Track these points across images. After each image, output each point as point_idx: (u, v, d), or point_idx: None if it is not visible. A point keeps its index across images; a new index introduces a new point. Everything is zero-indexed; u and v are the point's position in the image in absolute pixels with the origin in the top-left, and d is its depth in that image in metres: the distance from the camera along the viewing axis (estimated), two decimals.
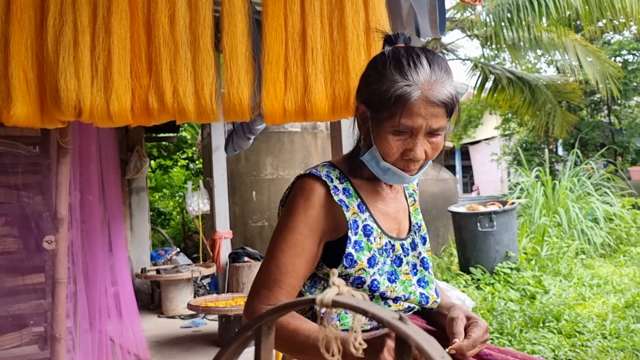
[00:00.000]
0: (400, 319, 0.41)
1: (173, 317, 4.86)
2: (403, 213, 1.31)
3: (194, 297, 5.02)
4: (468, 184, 18.31)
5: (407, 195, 1.37)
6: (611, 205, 6.89)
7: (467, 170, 18.04)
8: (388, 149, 1.14)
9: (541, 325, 3.53)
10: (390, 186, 1.29)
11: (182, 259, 5.78)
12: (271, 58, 1.79)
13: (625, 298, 4.02)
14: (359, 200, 1.21)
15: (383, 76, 1.12)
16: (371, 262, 1.18)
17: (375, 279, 1.18)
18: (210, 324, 4.49)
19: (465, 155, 17.44)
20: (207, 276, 5.55)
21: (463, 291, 4.37)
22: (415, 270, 1.28)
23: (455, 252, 5.50)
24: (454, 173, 16.58)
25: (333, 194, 1.18)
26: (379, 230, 1.21)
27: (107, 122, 1.73)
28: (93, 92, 1.69)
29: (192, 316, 4.76)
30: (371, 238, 1.19)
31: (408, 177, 1.18)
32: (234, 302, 4.02)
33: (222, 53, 1.79)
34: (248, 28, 1.81)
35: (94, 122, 1.74)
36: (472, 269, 4.84)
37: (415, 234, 1.31)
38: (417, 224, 1.33)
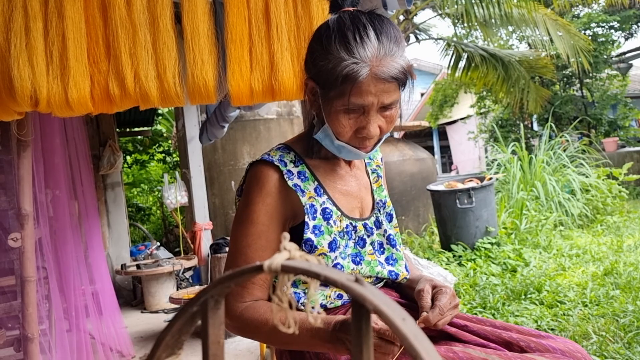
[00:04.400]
0: (357, 280, 0.37)
1: (156, 312, 4.80)
2: (365, 190, 1.27)
3: (177, 290, 4.96)
4: (447, 164, 18.44)
5: (370, 171, 1.32)
6: (587, 177, 6.98)
7: (445, 150, 18.16)
8: (341, 128, 1.09)
9: (523, 297, 3.56)
10: (349, 163, 1.25)
11: (163, 253, 5.71)
12: (235, 37, 1.73)
13: (604, 266, 4.08)
14: (315, 183, 1.17)
15: (328, 52, 1.06)
16: (332, 246, 1.14)
17: (338, 263, 1.14)
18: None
19: (443, 135, 17.54)
20: (189, 269, 5.48)
21: (445, 268, 4.38)
22: (382, 249, 1.24)
23: (435, 230, 5.52)
24: (432, 154, 16.67)
25: (287, 179, 1.13)
26: (339, 213, 1.17)
27: (66, 111, 1.66)
28: (49, 80, 1.61)
29: (175, 310, 4.71)
30: (331, 221, 1.15)
31: (363, 154, 1.14)
32: None
33: (184, 34, 1.72)
34: (209, 7, 1.74)
35: (52, 112, 1.67)
36: (453, 246, 4.86)
37: (380, 211, 1.27)
38: (381, 201, 1.29)
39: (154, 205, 10.95)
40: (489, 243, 4.80)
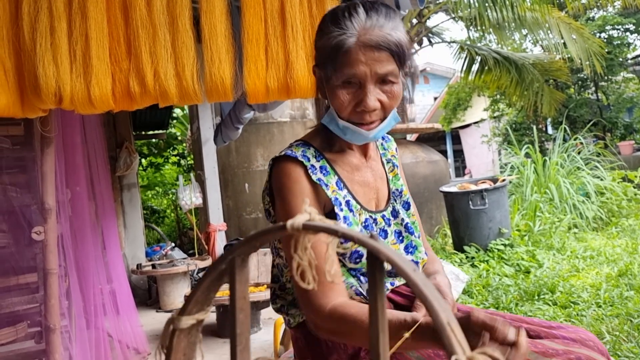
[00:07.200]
0: (371, 236, 0.41)
1: (171, 311, 4.86)
2: (381, 181, 1.28)
3: (191, 290, 5.01)
4: (460, 168, 18.37)
5: (385, 161, 1.34)
6: (602, 179, 6.94)
7: (459, 154, 18.09)
8: (339, 103, 1.11)
9: (536, 297, 3.56)
10: (365, 155, 1.26)
11: (178, 254, 5.78)
12: (251, 36, 1.78)
13: (618, 267, 4.06)
14: (336, 177, 1.19)
15: (323, 32, 1.12)
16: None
17: (363, 253, 1.15)
18: (209, 315, 4.50)
19: (456, 139, 17.48)
20: (203, 269, 5.54)
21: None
22: (401, 238, 1.26)
23: (448, 232, 5.52)
24: (446, 157, 16.59)
25: (311, 174, 1.15)
26: (358, 207, 1.19)
27: (88, 108, 1.72)
28: (73, 78, 1.67)
29: None
30: (354, 213, 1.17)
31: (366, 133, 1.14)
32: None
33: (202, 33, 1.78)
34: (226, 7, 1.79)
35: (75, 109, 1.73)
36: (466, 248, 4.86)
37: (396, 201, 1.29)
38: (397, 190, 1.30)
39: (168, 207, 11.07)
40: (502, 244, 4.80)
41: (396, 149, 1.40)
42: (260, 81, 1.78)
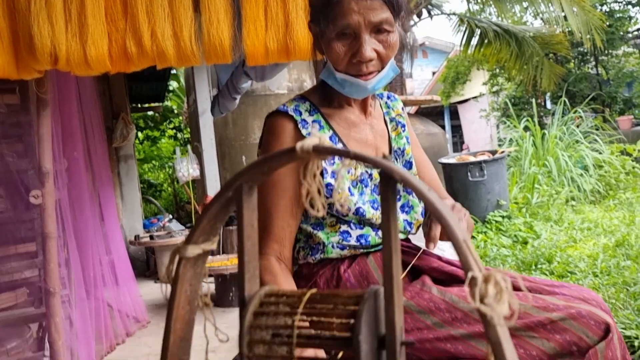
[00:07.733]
0: (384, 157, 0.40)
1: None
2: (381, 139, 1.26)
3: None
4: (458, 144, 18.32)
5: (388, 120, 1.32)
6: (600, 153, 6.93)
7: (457, 129, 18.03)
8: (335, 55, 1.10)
9: (533, 267, 3.58)
10: (364, 112, 1.25)
11: (175, 226, 5.78)
12: None
13: (615, 238, 4.08)
14: (330, 132, 1.19)
15: None
16: (351, 190, 1.16)
17: (359, 207, 1.15)
18: (207, 286, 4.53)
19: (454, 115, 17.41)
20: None
21: None
22: (398, 196, 1.25)
23: None
24: None
25: (301, 128, 1.15)
26: (354, 162, 1.18)
27: (84, 69, 1.69)
28: (68, 37, 1.64)
29: None
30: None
31: (364, 83, 1.12)
32: (229, 262, 4.03)
33: None
34: None
35: (71, 70, 1.70)
36: None
37: (397, 160, 1.28)
38: (399, 149, 1.29)
39: (165, 182, 11.04)
40: (500, 216, 4.81)
41: (403, 108, 1.37)
42: (259, 42, 1.75)
